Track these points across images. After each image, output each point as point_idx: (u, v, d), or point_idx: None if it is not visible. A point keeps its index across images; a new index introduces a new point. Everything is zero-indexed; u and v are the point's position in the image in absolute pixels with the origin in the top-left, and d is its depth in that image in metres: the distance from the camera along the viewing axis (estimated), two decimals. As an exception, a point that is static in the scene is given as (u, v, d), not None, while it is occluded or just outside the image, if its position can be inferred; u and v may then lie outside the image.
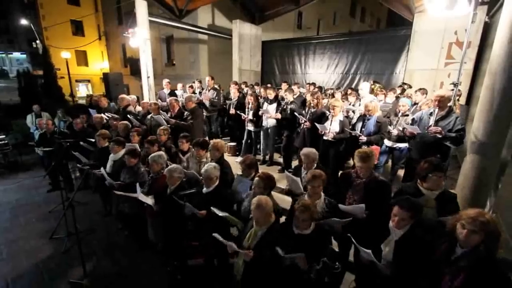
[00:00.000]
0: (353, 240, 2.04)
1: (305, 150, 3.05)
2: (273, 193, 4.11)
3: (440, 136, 3.11)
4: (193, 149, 3.85)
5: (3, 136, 7.25)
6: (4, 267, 3.41)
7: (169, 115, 5.23)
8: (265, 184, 2.56)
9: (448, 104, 3.29)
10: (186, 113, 5.12)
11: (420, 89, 4.96)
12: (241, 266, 2.23)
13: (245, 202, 2.73)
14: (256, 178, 2.60)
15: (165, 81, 7.28)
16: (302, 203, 2.08)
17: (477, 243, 1.58)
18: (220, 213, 2.49)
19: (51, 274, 3.30)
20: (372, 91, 5.84)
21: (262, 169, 3.06)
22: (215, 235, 2.22)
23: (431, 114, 3.32)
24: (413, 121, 3.58)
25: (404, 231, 1.95)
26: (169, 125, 4.82)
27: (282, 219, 2.69)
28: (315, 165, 2.97)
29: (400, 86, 6.16)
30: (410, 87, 5.92)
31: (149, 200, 3.09)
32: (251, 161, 3.01)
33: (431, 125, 3.22)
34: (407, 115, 4.05)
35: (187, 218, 2.87)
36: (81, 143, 4.66)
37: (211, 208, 2.56)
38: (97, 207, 4.76)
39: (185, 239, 3.05)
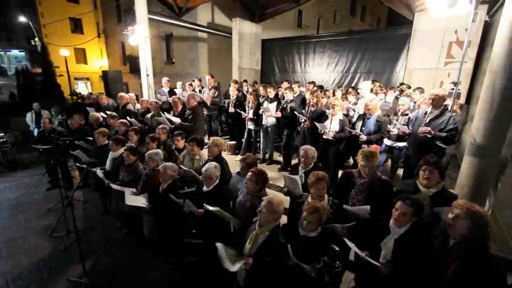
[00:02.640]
0: (349, 243, 2.02)
1: (305, 146, 3.04)
2: (272, 191, 4.15)
3: (429, 136, 3.13)
4: (189, 146, 3.85)
5: (2, 134, 7.23)
6: (3, 265, 3.40)
7: (171, 113, 5.21)
8: (257, 178, 2.56)
9: (444, 103, 3.29)
10: (187, 111, 5.10)
11: (418, 88, 4.97)
12: (243, 272, 2.19)
13: (239, 197, 2.72)
14: (249, 173, 2.61)
15: (165, 79, 7.26)
16: (312, 205, 2.05)
17: (464, 230, 1.64)
18: (211, 208, 2.49)
19: (50, 272, 3.30)
20: (371, 91, 5.84)
21: (261, 167, 3.05)
22: (218, 246, 2.15)
23: (426, 113, 3.32)
24: (409, 120, 3.58)
25: (404, 230, 1.96)
26: (172, 126, 4.80)
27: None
28: (313, 163, 2.96)
29: (399, 86, 6.16)
30: (409, 87, 5.92)
31: (139, 202, 3.06)
32: (252, 161, 3.00)
33: (423, 125, 3.23)
34: (407, 114, 4.05)
35: (187, 216, 2.87)
36: (77, 142, 4.62)
37: (204, 204, 2.56)
38: (96, 205, 4.75)
39: (183, 236, 3.05)
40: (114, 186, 3.35)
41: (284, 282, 2.08)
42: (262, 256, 2.08)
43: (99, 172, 3.61)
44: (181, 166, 3.49)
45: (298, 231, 2.13)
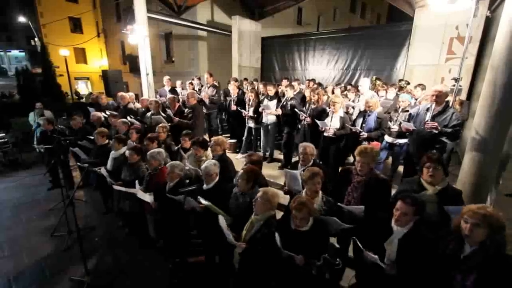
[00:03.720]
0: (360, 244, 1.99)
1: (304, 143, 3.03)
2: (273, 189, 4.14)
3: (436, 131, 3.12)
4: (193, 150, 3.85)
5: (3, 135, 7.24)
6: (5, 265, 3.42)
7: (170, 111, 5.21)
8: (249, 176, 2.56)
9: (446, 100, 3.28)
10: (186, 110, 5.09)
11: (419, 84, 4.95)
12: (238, 257, 2.29)
13: (234, 191, 2.73)
14: (240, 171, 2.63)
15: (166, 78, 7.24)
16: (298, 201, 2.05)
17: (483, 237, 1.56)
18: (204, 202, 2.53)
19: (52, 271, 3.31)
20: (374, 87, 5.82)
21: (260, 166, 3.05)
22: (221, 222, 2.25)
23: (428, 109, 3.31)
24: (410, 116, 3.57)
25: (407, 230, 1.91)
26: (169, 124, 4.79)
27: (280, 215, 2.67)
28: (312, 161, 2.95)
29: (398, 82, 6.14)
30: (408, 83, 5.89)
31: (147, 197, 3.09)
32: (257, 159, 3.01)
33: (427, 121, 3.22)
34: (407, 111, 4.03)
35: (188, 214, 2.87)
36: (80, 142, 4.63)
37: (198, 197, 2.59)
38: (97, 204, 4.77)
39: (187, 237, 3.05)
40: (116, 187, 3.34)
41: (279, 273, 2.10)
42: (255, 243, 2.12)
43: (103, 171, 3.61)
44: (187, 164, 3.49)
45: (290, 226, 2.14)
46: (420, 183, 2.29)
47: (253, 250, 2.14)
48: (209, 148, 3.71)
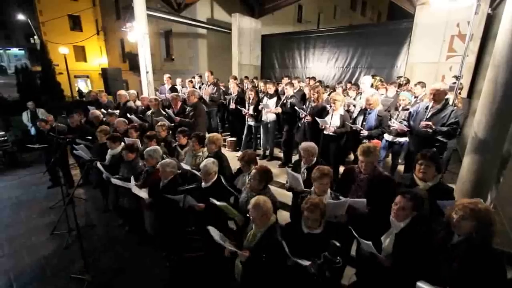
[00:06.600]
0: (354, 232, 2.03)
1: (304, 144, 3.02)
2: (273, 187, 4.13)
3: (430, 130, 3.11)
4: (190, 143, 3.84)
5: (3, 133, 7.23)
6: (6, 263, 3.43)
7: (170, 111, 5.20)
8: (261, 176, 2.54)
9: (446, 97, 3.27)
10: (188, 108, 5.08)
11: (419, 82, 4.93)
12: (240, 268, 2.23)
13: (243, 194, 2.72)
14: (253, 171, 2.59)
15: (166, 76, 7.21)
16: (310, 203, 2.02)
17: (469, 230, 1.63)
18: (218, 203, 2.49)
19: (53, 269, 3.32)
20: (372, 85, 5.79)
21: (262, 164, 3.04)
22: (212, 232, 2.17)
23: (427, 107, 3.31)
24: (410, 115, 3.57)
25: (405, 224, 1.95)
26: (173, 124, 4.78)
27: (281, 214, 2.66)
28: (315, 159, 2.95)
29: (397, 79, 6.10)
30: (408, 81, 5.86)
31: (142, 193, 3.11)
32: (250, 157, 2.98)
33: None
34: (408, 109, 4.02)
35: (186, 211, 2.86)
36: (78, 140, 4.61)
37: (210, 199, 2.57)
38: (97, 202, 4.77)
39: (184, 233, 3.04)
40: (114, 180, 3.34)
41: (282, 279, 2.07)
42: (259, 252, 2.07)
43: (99, 165, 3.61)
44: (182, 164, 3.49)
45: (302, 229, 2.11)
46: (413, 179, 2.35)
47: (256, 260, 2.07)
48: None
